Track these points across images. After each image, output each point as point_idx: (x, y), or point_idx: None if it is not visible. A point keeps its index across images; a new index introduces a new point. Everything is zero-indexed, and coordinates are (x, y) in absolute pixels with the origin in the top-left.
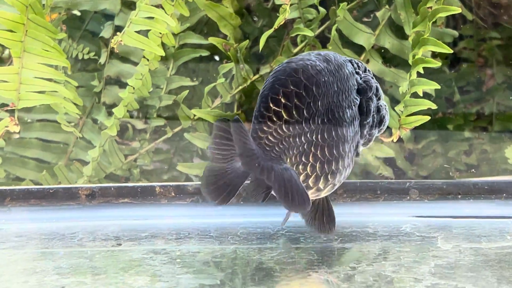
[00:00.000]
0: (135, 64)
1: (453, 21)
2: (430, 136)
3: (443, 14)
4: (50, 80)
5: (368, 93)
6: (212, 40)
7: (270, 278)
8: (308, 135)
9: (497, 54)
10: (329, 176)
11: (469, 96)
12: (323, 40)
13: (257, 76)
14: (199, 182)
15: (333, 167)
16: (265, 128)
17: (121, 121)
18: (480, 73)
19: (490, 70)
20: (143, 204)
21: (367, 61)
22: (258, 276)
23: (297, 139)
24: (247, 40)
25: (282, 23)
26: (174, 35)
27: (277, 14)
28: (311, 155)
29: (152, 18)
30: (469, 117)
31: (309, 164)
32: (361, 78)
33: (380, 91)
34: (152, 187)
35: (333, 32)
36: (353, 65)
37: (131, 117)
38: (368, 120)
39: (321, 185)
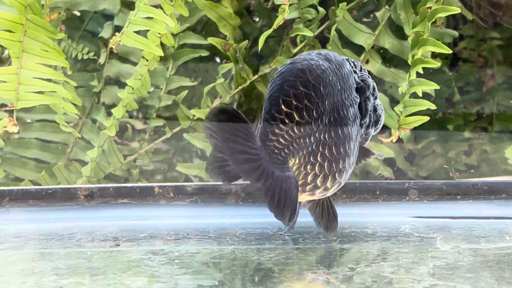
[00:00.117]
0: (135, 64)
1: (453, 21)
2: (430, 137)
3: (443, 14)
4: (49, 80)
5: (366, 93)
6: (211, 40)
7: (268, 279)
8: (316, 135)
9: (497, 54)
10: (336, 175)
11: (469, 97)
12: (322, 40)
13: (256, 76)
14: (199, 183)
15: (340, 166)
16: (276, 130)
17: (121, 122)
18: (480, 73)
19: (490, 70)
20: (142, 204)
21: (367, 61)
22: (257, 277)
23: (307, 140)
24: (247, 40)
25: (281, 23)
26: (174, 35)
27: (277, 14)
28: (319, 154)
29: (151, 18)
30: (469, 117)
31: (317, 164)
32: (358, 77)
33: (376, 90)
34: (151, 187)
35: (333, 32)
36: (350, 64)
37: (131, 117)
38: (365, 119)
39: (328, 184)
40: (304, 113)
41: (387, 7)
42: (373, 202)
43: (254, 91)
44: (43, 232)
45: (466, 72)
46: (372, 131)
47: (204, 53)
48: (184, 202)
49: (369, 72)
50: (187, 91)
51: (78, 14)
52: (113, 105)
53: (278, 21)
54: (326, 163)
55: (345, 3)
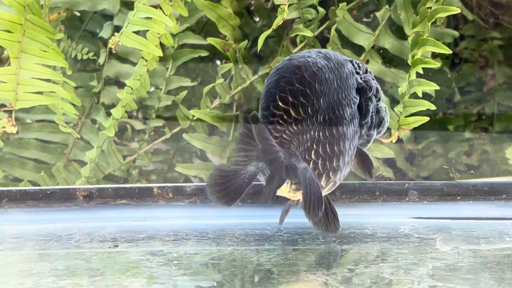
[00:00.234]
0: (134, 64)
1: (454, 21)
2: (430, 137)
3: (443, 15)
4: (48, 80)
5: (367, 93)
6: (211, 40)
7: (268, 280)
8: (311, 132)
9: (498, 54)
10: (330, 173)
11: (470, 97)
12: (322, 41)
13: (256, 76)
14: (198, 184)
15: (334, 164)
16: (278, 126)
17: (120, 122)
18: (480, 73)
19: (491, 70)
20: (141, 205)
21: (367, 62)
22: (256, 278)
23: (303, 137)
24: (246, 41)
25: (280, 23)
26: (173, 35)
27: (277, 14)
28: (313, 152)
29: (150, 18)
30: (470, 117)
31: (312, 161)
32: (361, 79)
33: (381, 93)
34: (150, 188)
35: (333, 32)
36: (353, 65)
37: (130, 117)
38: (366, 120)
39: (323, 182)
40: (300, 110)
41: (387, 7)
42: (373, 203)
43: (254, 92)
44: (41, 233)
45: (467, 72)
46: (374, 133)
47: (204, 53)
48: (183, 203)
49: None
50: (186, 91)
51: (77, 14)
52: (113, 106)
53: (278, 21)
54: (320, 161)
55: (345, 3)
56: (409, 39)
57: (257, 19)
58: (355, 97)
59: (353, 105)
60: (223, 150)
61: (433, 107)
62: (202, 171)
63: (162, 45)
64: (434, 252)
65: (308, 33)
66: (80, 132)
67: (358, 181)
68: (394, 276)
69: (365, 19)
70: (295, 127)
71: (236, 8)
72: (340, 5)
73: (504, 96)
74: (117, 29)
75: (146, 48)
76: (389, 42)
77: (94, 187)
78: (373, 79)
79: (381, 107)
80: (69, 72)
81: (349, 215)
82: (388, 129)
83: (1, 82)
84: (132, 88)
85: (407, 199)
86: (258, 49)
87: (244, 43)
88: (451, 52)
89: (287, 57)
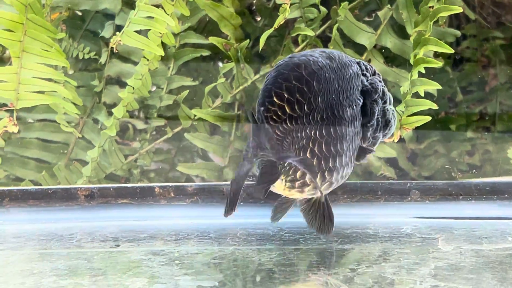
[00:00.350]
0: (136, 63)
1: (456, 20)
2: (433, 136)
3: (445, 14)
4: (49, 80)
5: (373, 96)
6: (212, 39)
7: (269, 280)
8: (307, 131)
9: (500, 54)
10: (326, 174)
11: (472, 96)
12: (324, 40)
13: (258, 76)
14: (200, 183)
15: (330, 164)
16: (271, 122)
17: (122, 121)
18: (483, 73)
19: (493, 69)
20: (142, 204)
21: (369, 61)
22: (258, 278)
23: (298, 134)
24: (248, 40)
25: (282, 22)
26: (175, 34)
27: (278, 14)
28: (309, 151)
29: (151, 18)
30: (472, 117)
31: None
32: (367, 80)
33: (388, 95)
34: (151, 187)
35: (334, 31)
36: (360, 66)
37: (132, 117)
38: (372, 123)
39: (318, 182)
40: (296, 107)
41: (389, 6)
42: (375, 203)
43: (256, 91)
44: (43, 233)
45: (469, 72)
46: (380, 136)
47: (205, 53)
48: (184, 202)
49: None
50: (188, 90)
51: (79, 13)
52: (114, 105)
53: (279, 20)
54: (315, 160)
55: (346, 3)
56: (411, 38)
57: (259, 19)
58: (359, 99)
59: (355, 107)
60: (224, 149)
61: (435, 106)
62: (204, 170)
63: (163, 45)
64: (436, 252)
65: (310, 33)
66: (81, 132)
67: (360, 181)
68: (396, 276)
69: (367, 19)
70: (289, 124)
71: (238, 8)
72: (342, 4)
73: (506, 95)
74: (118, 28)
75: (148, 48)
76: (391, 42)
77: (96, 186)
78: (380, 81)
79: (387, 110)
80: (70, 72)
81: (350, 215)
82: None
83: (2, 81)
84: (133, 88)
85: (409, 198)
86: (260, 49)
87: (246, 42)
88: (453, 51)
89: (289, 55)
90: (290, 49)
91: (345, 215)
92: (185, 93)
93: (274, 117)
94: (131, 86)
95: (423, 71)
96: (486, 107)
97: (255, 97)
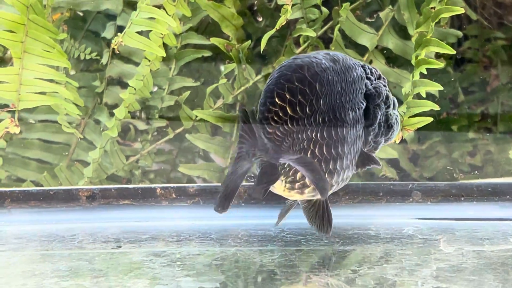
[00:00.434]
0: (137, 64)
1: (457, 21)
2: (434, 137)
3: (446, 15)
4: (50, 81)
5: (376, 100)
6: (214, 40)
7: (271, 281)
8: (308, 132)
9: (502, 54)
10: (326, 175)
11: (474, 97)
12: (326, 41)
13: (259, 76)
14: (201, 184)
15: (330, 166)
16: (272, 123)
17: (123, 122)
18: (484, 73)
19: (494, 70)
20: (143, 205)
21: (370, 62)
22: (259, 279)
23: (299, 136)
24: (249, 41)
25: (283, 23)
26: (176, 35)
27: (280, 14)
28: (309, 153)
29: (153, 18)
30: (473, 118)
31: None
32: (371, 84)
33: (392, 100)
34: (153, 188)
35: (336, 32)
36: (365, 70)
37: (133, 118)
38: (373, 127)
39: (319, 179)
40: (297, 108)
41: (390, 7)
42: (376, 204)
43: (257, 92)
44: (44, 234)
45: (471, 72)
46: (382, 140)
47: (207, 54)
48: (186, 203)
49: None
50: (189, 91)
51: (80, 14)
52: (116, 106)
53: (281, 21)
54: (315, 162)
55: (348, 3)
56: (413, 39)
57: (260, 19)
58: (362, 102)
59: (358, 110)
60: (226, 150)
61: (436, 107)
62: (205, 171)
63: (165, 45)
64: (438, 253)
65: (311, 33)
66: (83, 132)
67: (362, 182)
68: (398, 277)
69: (368, 19)
70: (290, 126)
71: (239, 8)
72: (344, 5)
73: (508, 96)
74: (120, 29)
75: (149, 49)
76: (392, 42)
77: (97, 187)
78: (385, 85)
79: (390, 115)
80: (72, 72)
81: (352, 216)
82: None
83: (4, 82)
84: (135, 89)
85: (411, 199)
86: (261, 49)
87: (247, 43)
88: (454, 52)
89: (293, 56)
90: (292, 50)
91: (346, 216)
92: (186, 94)
93: (275, 118)
94: (132, 87)
95: (425, 72)
96: (487, 108)
97: (256, 98)
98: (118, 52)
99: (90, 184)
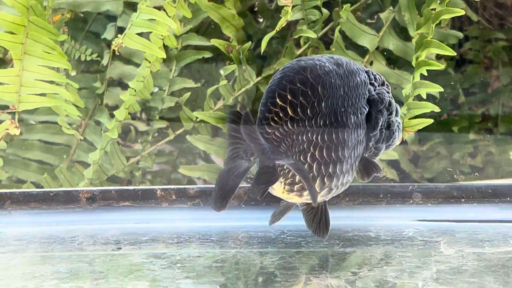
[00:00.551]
0: (138, 65)
1: (458, 22)
2: (435, 138)
3: (447, 16)
4: (51, 82)
5: (379, 106)
6: (214, 42)
7: (271, 283)
8: (309, 135)
9: (503, 56)
10: (325, 179)
11: (474, 98)
12: (326, 42)
13: (260, 78)
14: (202, 185)
15: (330, 170)
16: (272, 123)
17: (124, 123)
18: (485, 74)
19: (495, 71)
20: (144, 207)
21: (371, 63)
22: (259, 281)
23: (299, 138)
24: (250, 42)
25: (284, 25)
26: (177, 36)
27: (281, 16)
28: (309, 155)
29: (153, 20)
30: (474, 119)
31: (307, 164)
32: (375, 90)
33: (394, 107)
34: (153, 190)
35: (337, 33)
36: (369, 75)
37: (134, 119)
38: (375, 133)
39: (317, 187)
40: (298, 110)
41: (391, 8)
42: (376, 205)
43: (258, 93)
44: (44, 235)
45: (471, 74)
46: (383, 147)
47: (207, 55)
48: (186, 205)
49: None
50: (190, 92)
51: (81, 15)
52: (116, 107)
53: (281, 23)
54: (315, 165)
55: (349, 5)
56: (413, 40)
57: (261, 20)
58: (364, 107)
59: (360, 115)
60: (226, 151)
61: (437, 109)
62: (206, 172)
63: (165, 47)
64: (438, 255)
65: (312, 35)
66: (83, 134)
67: (362, 183)
68: (398, 279)
69: (369, 21)
70: (290, 127)
71: (240, 9)
72: (344, 6)
73: (509, 97)
74: (120, 30)
75: (149, 50)
76: (393, 44)
77: (97, 189)
78: (388, 92)
79: (393, 122)
80: (72, 73)
81: (352, 218)
82: None
83: (4, 83)
84: (135, 90)
85: (411, 201)
86: (262, 51)
87: (248, 44)
88: (455, 54)
89: (297, 59)
90: (292, 51)
91: (347, 218)
92: (187, 95)
93: (275, 118)
94: (132, 88)
95: (425, 74)
96: (488, 109)
97: (257, 99)
98: (118, 53)
99: (91, 185)
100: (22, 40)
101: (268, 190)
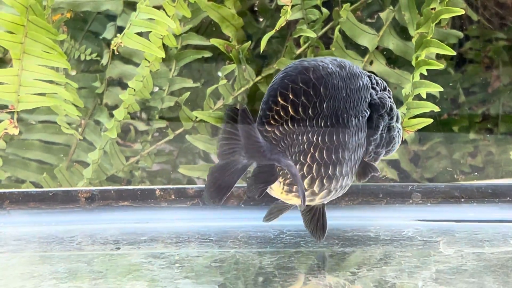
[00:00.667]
0: (138, 65)
1: (459, 21)
2: (435, 138)
3: (447, 16)
4: (50, 82)
5: (380, 110)
6: (213, 41)
7: (270, 283)
8: (309, 135)
9: (503, 55)
10: (324, 180)
11: (475, 98)
12: (326, 42)
13: (259, 77)
14: (201, 185)
15: (329, 171)
16: (272, 122)
17: (123, 123)
18: (485, 74)
19: (496, 71)
20: (143, 207)
21: (371, 62)
22: (258, 281)
23: (299, 138)
24: (249, 41)
25: (283, 24)
26: (176, 36)
27: (280, 15)
28: (309, 156)
29: (152, 19)
30: (475, 118)
31: (307, 165)
32: (376, 94)
33: (395, 112)
34: (152, 190)
35: (336, 33)
36: (371, 80)
37: (133, 118)
38: (375, 137)
39: (316, 188)
40: (300, 109)
41: (391, 7)
42: (376, 205)
43: (258, 93)
44: (43, 235)
45: (472, 73)
46: (383, 152)
47: (207, 54)
48: (185, 204)
49: (373, 73)
50: (189, 92)
51: (81, 14)
52: (116, 107)
53: (281, 22)
54: (315, 166)
55: (348, 4)
56: (413, 40)
57: (261, 20)
58: (366, 111)
59: (361, 118)
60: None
61: (437, 108)
62: (205, 172)
63: (165, 46)
64: (437, 255)
65: (312, 34)
66: (83, 133)
67: (361, 183)
68: (397, 279)
69: (369, 20)
70: (291, 126)
71: (240, 9)
72: (344, 5)
73: (509, 97)
74: (120, 30)
75: (149, 50)
76: (393, 43)
77: (96, 189)
78: (390, 97)
79: (393, 127)
80: (72, 73)
81: (352, 217)
82: None
83: (3, 83)
84: (134, 89)
85: (411, 201)
86: (261, 51)
87: (248, 44)
88: (454, 53)
89: (300, 59)
90: (292, 51)
91: (346, 218)
92: (186, 94)
93: (276, 117)
94: (132, 88)
95: (425, 73)
96: (488, 109)
97: (257, 98)
98: (118, 53)
99: (90, 185)
100: (21, 39)
101: (267, 191)
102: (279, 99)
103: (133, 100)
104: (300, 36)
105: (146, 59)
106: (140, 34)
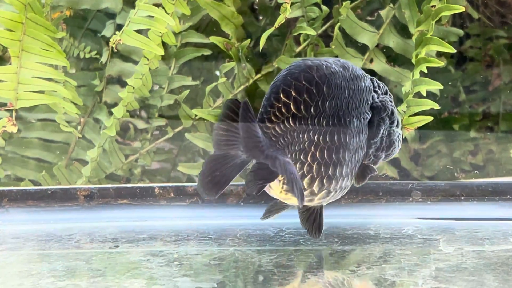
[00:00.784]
0: (137, 63)
1: (459, 19)
2: (435, 136)
3: (447, 13)
4: (49, 79)
5: (381, 113)
6: (213, 39)
7: (269, 281)
8: (310, 134)
9: (504, 53)
10: (324, 180)
11: (475, 96)
12: (326, 39)
13: (259, 75)
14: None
15: (329, 172)
16: (273, 118)
17: (123, 121)
18: (486, 72)
19: (496, 69)
20: (142, 205)
21: (371, 60)
22: (257, 279)
23: (300, 136)
24: (249, 39)
25: (283, 22)
26: (176, 34)
27: (280, 13)
28: (310, 155)
29: (151, 17)
30: (475, 117)
31: (307, 164)
32: (378, 98)
33: (396, 117)
34: (151, 188)
35: (336, 31)
36: (373, 83)
37: (132, 116)
38: (375, 140)
39: (315, 188)
40: (301, 107)
41: (391, 5)
42: (376, 203)
43: (257, 91)
44: (41, 233)
45: (472, 71)
46: (382, 155)
47: (207, 52)
48: (184, 202)
49: (374, 72)
50: (189, 90)
51: (80, 12)
52: (115, 105)
53: (280, 20)
54: (315, 165)
55: (349, 2)
56: (413, 37)
57: (261, 18)
58: (367, 113)
59: (362, 120)
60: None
61: (436, 106)
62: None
63: (164, 44)
64: (437, 253)
65: (312, 32)
66: (82, 131)
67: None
68: (397, 277)
69: (369, 18)
70: (292, 124)
71: (239, 7)
72: (344, 3)
73: (510, 95)
74: (119, 27)
75: (148, 47)
76: (393, 41)
77: (95, 187)
78: (391, 101)
79: (393, 131)
80: (72, 71)
81: (351, 215)
82: None
83: (2, 81)
84: (133, 87)
85: (411, 199)
86: (260, 48)
87: (247, 41)
88: (454, 51)
89: (303, 58)
90: (292, 49)
91: (346, 216)
92: (186, 92)
93: (277, 114)
94: (131, 85)
95: (425, 71)
96: (489, 107)
97: (256, 96)
98: (117, 50)
99: (89, 183)
100: (20, 37)
101: (266, 190)
102: (281, 96)
103: (132, 98)
104: (300, 34)
105: (145, 57)
106: (139, 31)
